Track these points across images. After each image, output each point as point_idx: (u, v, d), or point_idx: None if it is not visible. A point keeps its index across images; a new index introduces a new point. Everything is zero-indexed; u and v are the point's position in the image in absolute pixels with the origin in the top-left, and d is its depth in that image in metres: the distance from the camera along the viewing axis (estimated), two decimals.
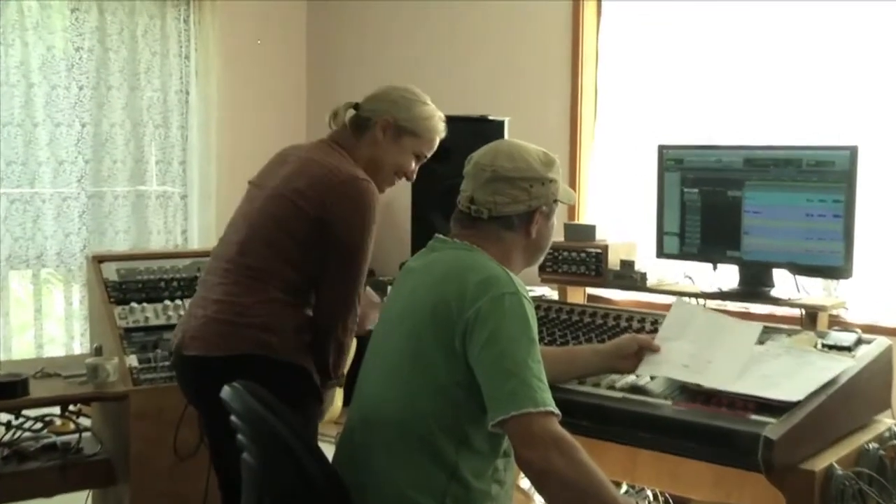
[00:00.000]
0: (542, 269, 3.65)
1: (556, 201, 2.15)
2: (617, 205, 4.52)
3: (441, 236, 2.18)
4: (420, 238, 3.78)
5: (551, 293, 4.01)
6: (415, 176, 2.69)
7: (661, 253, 3.49)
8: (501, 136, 3.80)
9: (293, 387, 2.42)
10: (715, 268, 3.38)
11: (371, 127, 2.59)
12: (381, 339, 2.11)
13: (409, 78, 4.04)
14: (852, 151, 3.02)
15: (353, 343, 2.64)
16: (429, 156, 2.68)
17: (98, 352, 3.30)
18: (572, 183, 4.48)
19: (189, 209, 5.25)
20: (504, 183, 2.09)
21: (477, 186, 2.11)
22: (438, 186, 3.82)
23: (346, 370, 2.59)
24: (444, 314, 1.93)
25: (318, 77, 5.77)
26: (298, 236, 2.46)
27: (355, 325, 2.55)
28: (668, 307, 2.50)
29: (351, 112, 2.62)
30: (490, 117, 3.93)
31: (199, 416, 2.73)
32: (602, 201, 4.58)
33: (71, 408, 3.35)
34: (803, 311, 3.23)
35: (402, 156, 2.62)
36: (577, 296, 3.89)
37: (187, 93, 5.22)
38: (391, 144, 2.59)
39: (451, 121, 3.66)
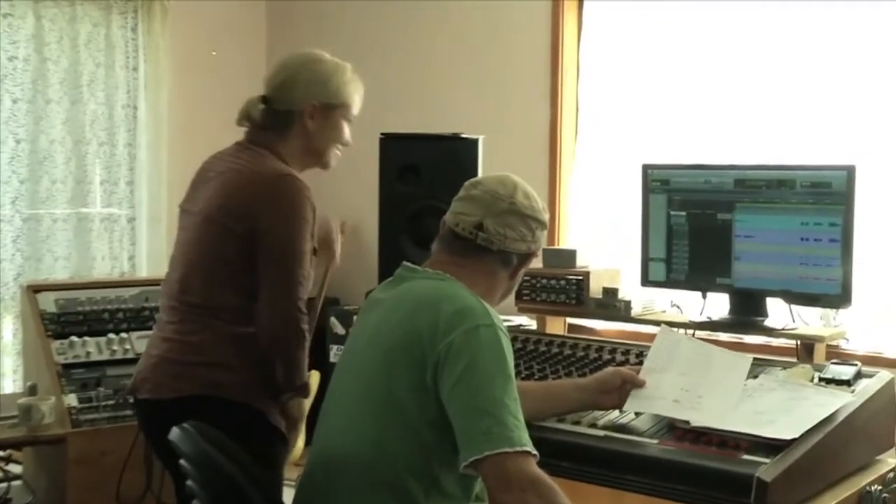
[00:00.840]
0: (519, 297, 3.76)
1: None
2: (599, 228, 4.53)
3: (410, 264, 2.19)
4: (388, 264, 3.80)
5: (529, 323, 4.04)
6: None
7: (647, 280, 3.54)
8: (474, 155, 3.89)
9: (252, 430, 2.40)
10: (704, 296, 3.44)
11: (295, 118, 2.58)
12: (345, 373, 2.11)
13: (379, 92, 4.10)
14: (850, 171, 3.07)
15: (305, 353, 2.59)
16: (356, 113, 2.70)
17: (32, 391, 3.25)
18: (551, 205, 4.48)
19: (137, 233, 5.14)
20: (518, 218, 2.13)
21: (490, 215, 2.12)
22: (406, 209, 3.87)
23: (303, 380, 2.55)
24: (415, 347, 1.94)
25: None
26: (234, 259, 2.47)
27: (304, 336, 2.51)
28: (652, 338, 2.52)
29: (261, 107, 2.60)
30: (463, 135, 3.98)
31: (146, 461, 2.69)
32: (583, 225, 4.60)
33: (0, 453, 3.32)
34: (799, 343, 3.27)
35: (337, 130, 2.63)
36: (556, 326, 3.94)
37: (135, 107, 5.12)
38: (323, 126, 2.60)
39: (420, 140, 3.70)
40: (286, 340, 2.47)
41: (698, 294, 3.44)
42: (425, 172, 3.92)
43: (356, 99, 2.66)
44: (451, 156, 3.92)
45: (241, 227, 2.44)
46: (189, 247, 2.57)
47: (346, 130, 2.67)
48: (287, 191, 2.44)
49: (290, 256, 2.43)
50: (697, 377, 2.34)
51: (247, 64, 5.56)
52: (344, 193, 4.67)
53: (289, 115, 2.58)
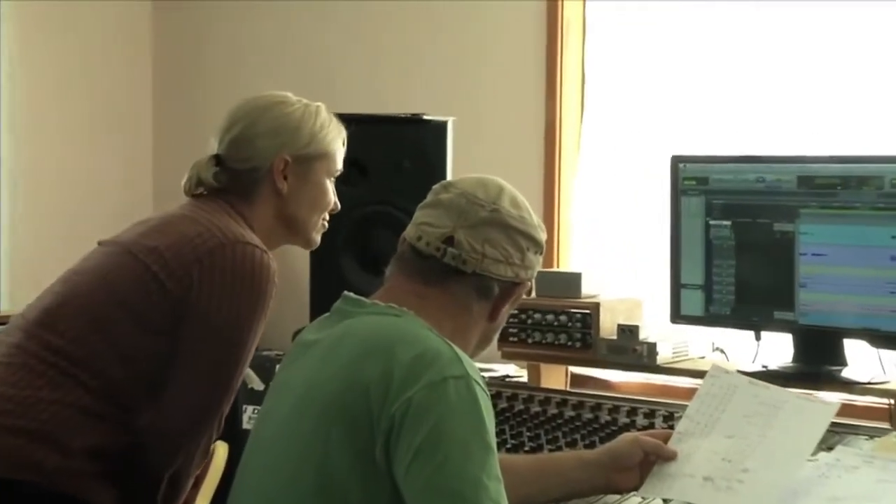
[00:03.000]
0: (504, 338, 3.70)
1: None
2: (612, 245, 4.52)
3: (352, 295, 2.20)
4: (322, 294, 3.87)
5: (518, 374, 4.03)
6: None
7: (678, 315, 3.53)
8: (441, 144, 3.89)
9: None
10: (758, 337, 3.42)
11: (262, 179, 2.68)
12: (263, 445, 2.12)
13: (313, 62, 4.09)
14: None
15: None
16: (341, 167, 2.81)
17: None
18: (548, 211, 4.50)
19: None
20: (501, 232, 2.16)
21: (464, 225, 2.15)
22: (348, 218, 3.83)
23: None
24: (360, 408, 1.94)
25: (172, 85, 5.80)
26: (145, 318, 2.50)
27: (203, 458, 2.60)
28: (687, 394, 2.53)
29: (214, 170, 2.69)
30: (426, 117, 4.00)
31: None
32: (591, 240, 4.57)
33: None
34: (893, 403, 3.24)
35: (319, 189, 2.74)
36: (555, 377, 3.92)
37: None
38: (301, 185, 2.70)
39: (367, 123, 3.72)
40: (187, 455, 2.54)
41: (749, 334, 3.44)
42: (374, 169, 3.96)
43: (338, 146, 2.77)
44: (409, 146, 3.97)
45: (174, 286, 2.49)
46: (80, 276, 2.60)
47: (332, 191, 2.77)
48: (246, 266, 2.51)
49: (234, 351, 2.52)
50: (749, 440, 2.32)
51: (128, 59, 5.70)
52: None
53: (253, 176, 2.68)
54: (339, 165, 2.78)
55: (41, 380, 2.45)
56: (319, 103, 2.77)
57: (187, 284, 2.48)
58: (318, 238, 2.80)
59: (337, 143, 2.76)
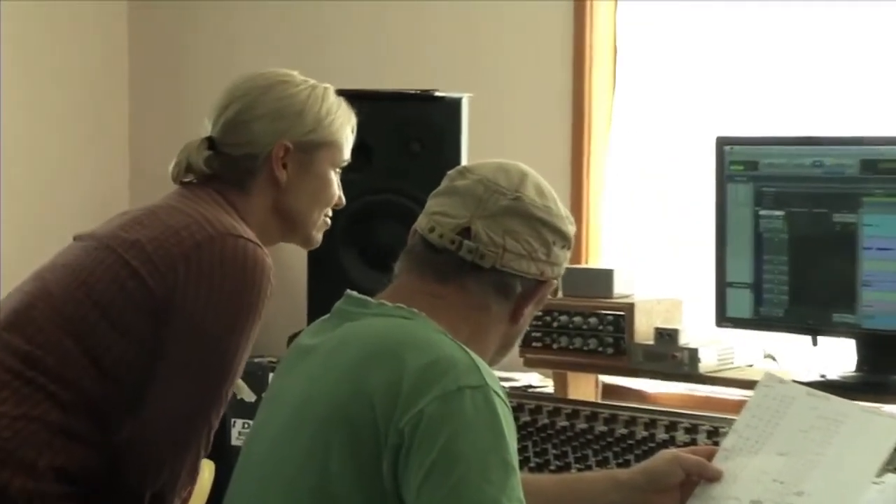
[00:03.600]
0: (526, 343, 3.65)
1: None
2: (648, 238, 4.52)
3: (356, 295, 2.20)
4: (322, 294, 3.79)
5: (542, 384, 4.04)
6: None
7: (724, 318, 3.53)
8: (455, 123, 3.87)
9: None
10: (815, 342, 3.41)
11: (259, 167, 2.68)
12: (256, 462, 2.12)
13: (309, 30, 4.08)
14: None
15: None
16: (348, 157, 2.81)
17: None
18: (576, 200, 4.49)
19: None
20: (525, 223, 2.16)
21: (482, 215, 2.15)
22: (350, 208, 3.75)
23: None
24: (364, 422, 1.95)
25: (148, 70, 5.80)
26: (125, 321, 2.49)
27: (194, 479, 2.60)
28: (734, 406, 2.53)
29: (206, 154, 2.69)
30: (438, 93, 3.99)
31: None
32: (623, 231, 4.57)
33: None
34: None
35: (322, 181, 2.73)
36: (584, 388, 3.94)
37: None
38: (301, 176, 2.70)
39: (370, 100, 3.68)
40: (172, 473, 2.53)
41: (805, 339, 3.43)
42: (379, 152, 3.94)
43: (346, 134, 2.76)
44: (419, 126, 3.95)
45: (157, 285, 2.49)
46: (53, 273, 2.59)
47: (336, 184, 2.76)
48: (238, 262, 2.51)
49: (218, 363, 2.51)
50: (806, 458, 2.30)
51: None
52: None
53: (249, 163, 2.68)
54: (347, 156, 2.77)
55: (5, 391, 2.45)
56: (328, 85, 2.76)
57: (172, 283, 2.48)
58: (318, 237, 2.80)
59: (345, 131, 2.75)
